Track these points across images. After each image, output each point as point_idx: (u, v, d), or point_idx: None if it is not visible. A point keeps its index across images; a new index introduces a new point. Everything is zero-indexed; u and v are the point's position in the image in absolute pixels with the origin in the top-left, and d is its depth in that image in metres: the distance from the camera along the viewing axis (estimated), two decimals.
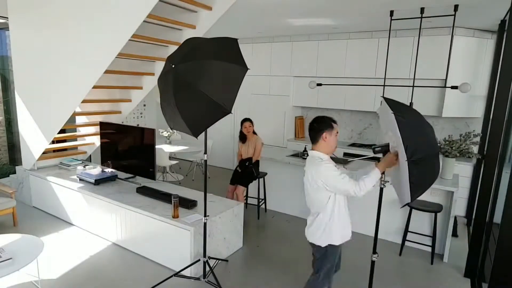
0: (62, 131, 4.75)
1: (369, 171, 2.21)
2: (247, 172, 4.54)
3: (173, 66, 2.39)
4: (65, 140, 5.52)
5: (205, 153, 2.99)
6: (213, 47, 2.50)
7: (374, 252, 2.57)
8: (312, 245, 2.46)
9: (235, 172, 4.68)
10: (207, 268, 3.18)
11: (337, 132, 2.34)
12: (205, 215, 3.06)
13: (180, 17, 4.01)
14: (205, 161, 3.06)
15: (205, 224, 3.08)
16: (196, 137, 2.48)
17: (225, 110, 2.37)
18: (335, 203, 2.31)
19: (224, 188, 4.92)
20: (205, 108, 2.38)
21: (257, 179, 4.69)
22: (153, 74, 4.76)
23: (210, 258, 3.28)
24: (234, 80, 2.41)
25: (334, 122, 2.31)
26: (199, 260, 3.20)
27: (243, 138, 4.60)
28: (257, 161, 4.62)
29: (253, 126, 4.56)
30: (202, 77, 2.34)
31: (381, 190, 2.34)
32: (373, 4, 3.87)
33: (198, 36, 4.23)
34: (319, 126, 2.28)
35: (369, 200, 4.31)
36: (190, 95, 2.36)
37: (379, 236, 4.24)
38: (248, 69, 2.44)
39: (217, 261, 3.50)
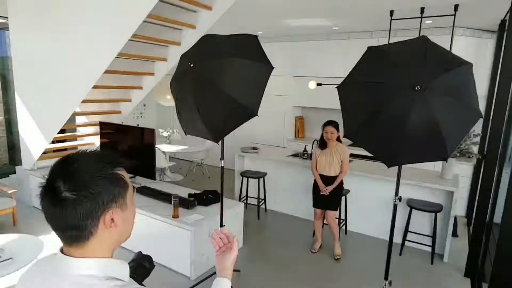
0: (62, 131, 4.74)
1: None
2: (336, 194, 3.77)
3: (191, 65, 2.17)
4: (65, 140, 5.51)
5: (222, 159, 2.75)
6: (234, 45, 2.29)
7: (386, 278, 2.39)
8: None
9: (319, 193, 3.75)
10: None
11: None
12: (221, 225, 2.99)
13: (180, 17, 4.01)
14: (222, 167, 2.81)
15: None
16: (217, 142, 2.34)
17: (251, 112, 2.18)
18: None
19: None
20: (229, 111, 2.18)
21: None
22: (153, 74, 4.76)
23: None
24: (259, 79, 2.23)
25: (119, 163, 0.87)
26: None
27: (323, 145, 3.76)
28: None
29: (338, 132, 3.66)
30: (225, 76, 2.14)
31: (395, 206, 2.25)
32: (373, 4, 3.87)
33: (199, 36, 4.23)
34: (98, 193, 0.78)
35: (370, 200, 4.32)
36: (213, 96, 2.15)
37: (379, 236, 4.28)
38: (273, 67, 2.23)
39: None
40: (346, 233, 4.41)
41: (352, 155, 5.49)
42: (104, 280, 0.76)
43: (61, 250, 0.81)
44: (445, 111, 1.74)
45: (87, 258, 0.78)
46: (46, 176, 0.83)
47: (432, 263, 3.72)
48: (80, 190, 0.76)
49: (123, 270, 0.84)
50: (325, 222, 3.91)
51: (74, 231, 0.77)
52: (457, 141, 1.88)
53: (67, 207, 0.76)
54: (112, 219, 0.79)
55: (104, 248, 0.82)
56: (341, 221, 4.22)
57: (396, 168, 2.16)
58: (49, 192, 0.82)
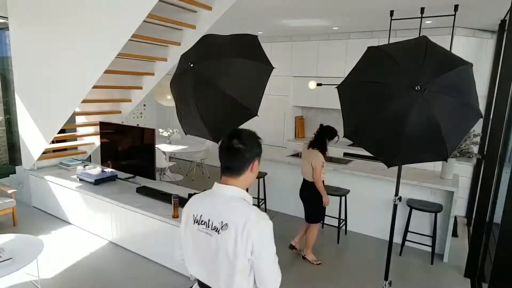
0: (62, 131, 4.74)
1: None
2: (309, 202, 3.64)
3: (191, 65, 2.15)
4: (65, 140, 5.51)
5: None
6: (234, 45, 2.28)
7: (386, 278, 2.39)
8: None
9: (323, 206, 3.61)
10: None
11: None
12: None
13: (180, 17, 4.01)
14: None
15: None
16: (217, 142, 2.33)
17: (251, 112, 2.16)
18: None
19: None
20: (229, 111, 2.17)
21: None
22: (153, 74, 4.76)
23: None
24: (259, 79, 2.22)
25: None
26: None
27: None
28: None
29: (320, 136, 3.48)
30: (225, 76, 2.13)
31: (395, 206, 2.26)
32: (373, 4, 3.87)
33: (199, 36, 4.23)
34: (248, 147, 1.37)
35: (370, 200, 4.32)
36: (213, 96, 2.14)
37: (379, 237, 4.28)
38: (273, 68, 2.23)
39: None
40: (346, 233, 4.40)
41: (352, 155, 5.51)
42: (240, 199, 1.36)
43: (219, 182, 1.41)
44: (445, 111, 1.73)
45: (235, 187, 1.38)
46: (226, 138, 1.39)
47: (432, 263, 3.72)
48: (245, 145, 1.36)
49: (248, 197, 1.39)
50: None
51: (235, 169, 1.37)
52: (457, 141, 1.87)
53: (237, 154, 1.36)
54: (255, 166, 1.40)
55: (246, 184, 1.41)
56: (341, 221, 4.22)
57: (395, 168, 2.16)
58: (228, 145, 1.37)
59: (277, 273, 1.36)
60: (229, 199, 1.36)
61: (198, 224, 1.36)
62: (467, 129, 1.87)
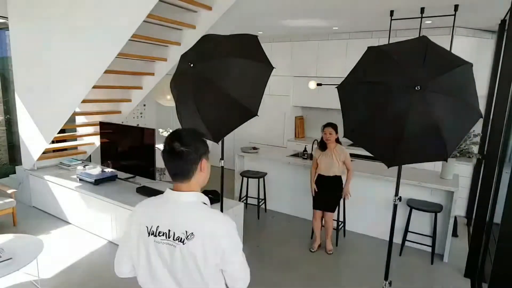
0: (62, 131, 4.74)
1: None
2: (336, 195, 3.83)
3: (191, 65, 2.16)
4: (65, 140, 5.51)
5: (222, 159, 2.75)
6: (234, 45, 2.29)
7: (386, 278, 2.39)
8: None
9: (318, 195, 3.85)
10: None
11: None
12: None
13: (180, 17, 4.01)
14: (222, 167, 2.81)
15: None
16: (217, 142, 2.33)
17: (251, 112, 2.19)
18: None
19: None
20: (229, 111, 2.19)
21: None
22: (153, 74, 4.76)
23: None
24: (259, 79, 2.23)
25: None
26: None
27: (323, 146, 3.80)
28: (339, 178, 3.82)
29: (337, 133, 3.73)
30: (226, 76, 2.14)
31: (395, 206, 2.27)
32: (373, 4, 3.87)
33: (199, 36, 4.23)
34: (193, 149, 1.26)
35: (370, 200, 4.32)
36: (213, 96, 2.15)
37: (379, 237, 4.28)
38: (273, 68, 2.25)
39: None
40: (344, 235, 4.34)
41: (352, 155, 5.50)
42: (200, 204, 1.29)
43: (171, 189, 1.30)
44: (445, 111, 1.73)
45: (190, 192, 1.29)
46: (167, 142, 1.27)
47: (432, 263, 3.72)
48: (188, 146, 1.23)
49: (206, 199, 1.33)
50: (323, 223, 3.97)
51: (184, 174, 1.27)
52: (457, 141, 1.87)
53: (181, 158, 1.24)
54: (203, 166, 1.30)
55: (197, 187, 1.32)
56: (340, 223, 4.21)
57: (396, 168, 2.16)
58: (169, 149, 1.25)
59: (247, 270, 1.37)
60: (188, 206, 1.28)
61: (155, 236, 1.25)
62: (467, 129, 1.87)
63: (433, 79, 1.71)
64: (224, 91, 2.12)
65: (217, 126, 2.24)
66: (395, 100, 1.76)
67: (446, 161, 1.97)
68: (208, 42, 2.34)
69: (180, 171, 1.27)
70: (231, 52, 2.20)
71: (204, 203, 1.31)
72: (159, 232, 1.25)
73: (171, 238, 1.23)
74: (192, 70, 2.17)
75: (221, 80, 2.14)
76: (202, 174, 1.31)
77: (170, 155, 1.25)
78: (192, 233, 1.21)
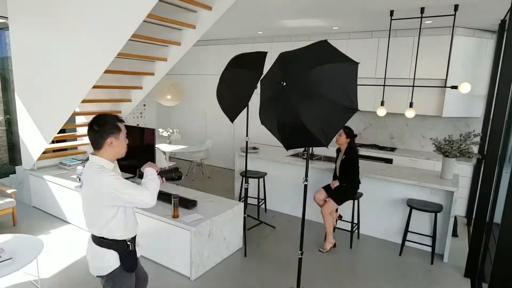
0: (62, 131, 4.75)
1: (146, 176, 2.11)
2: (340, 190, 3.91)
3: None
4: (65, 140, 5.52)
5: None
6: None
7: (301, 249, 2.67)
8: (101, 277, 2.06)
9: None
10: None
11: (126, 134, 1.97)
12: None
13: (180, 17, 4.01)
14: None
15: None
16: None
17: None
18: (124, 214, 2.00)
19: (223, 188, 4.92)
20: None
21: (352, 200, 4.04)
22: (153, 74, 4.76)
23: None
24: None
25: (121, 121, 1.96)
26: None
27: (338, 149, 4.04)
28: (351, 178, 3.89)
29: (345, 135, 3.83)
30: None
31: (305, 187, 2.53)
32: (373, 4, 3.87)
33: (199, 36, 4.23)
34: (102, 129, 1.86)
35: (371, 201, 4.32)
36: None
37: (379, 237, 4.28)
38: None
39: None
40: (358, 237, 4.32)
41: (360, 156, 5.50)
42: (104, 168, 1.89)
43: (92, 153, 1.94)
44: (306, 103, 2.23)
45: (100, 157, 1.91)
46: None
47: (432, 263, 3.72)
48: (99, 126, 1.87)
49: (111, 166, 1.95)
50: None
51: (95, 144, 1.91)
52: (328, 131, 2.25)
53: (95, 134, 1.88)
54: (111, 142, 1.89)
55: (109, 155, 1.93)
56: (354, 225, 4.17)
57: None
58: (91, 129, 1.89)
59: (138, 192, 2.00)
60: (90, 166, 1.92)
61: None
62: (337, 121, 2.29)
63: (300, 76, 2.22)
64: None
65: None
66: (268, 93, 2.41)
67: (327, 147, 2.34)
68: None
69: (92, 141, 1.93)
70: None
71: (102, 166, 1.89)
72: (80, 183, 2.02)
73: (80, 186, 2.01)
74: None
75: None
76: (109, 147, 1.90)
77: (89, 129, 1.91)
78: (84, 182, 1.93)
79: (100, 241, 1.96)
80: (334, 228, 4.06)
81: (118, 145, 1.91)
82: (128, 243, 2.05)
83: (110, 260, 1.98)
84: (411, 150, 5.70)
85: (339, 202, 3.90)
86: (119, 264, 1.99)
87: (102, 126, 1.86)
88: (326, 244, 3.96)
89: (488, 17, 4.22)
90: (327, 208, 3.88)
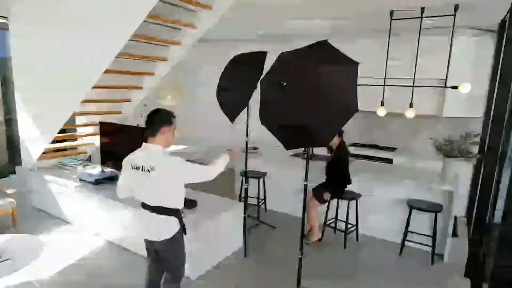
0: (62, 131, 4.74)
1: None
2: (327, 185, 4.07)
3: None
4: (65, 140, 5.51)
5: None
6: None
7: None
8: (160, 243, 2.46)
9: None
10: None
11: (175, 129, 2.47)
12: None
13: (180, 17, 4.01)
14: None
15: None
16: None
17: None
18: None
19: (223, 188, 4.90)
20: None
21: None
22: (153, 74, 4.76)
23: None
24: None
25: (173, 116, 2.48)
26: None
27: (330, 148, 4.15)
28: (337, 181, 4.03)
29: (337, 134, 3.91)
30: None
31: (306, 186, 2.61)
32: (373, 4, 3.87)
33: (199, 36, 4.23)
34: (159, 119, 2.40)
35: (371, 201, 4.32)
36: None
37: (378, 237, 4.28)
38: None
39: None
40: (357, 239, 4.28)
41: (354, 156, 5.50)
42: (165, 152, 2.42)
43: (145, 142, 2.42)
44: (305, 104, 2.25)
45: (157, 145, 2.38)
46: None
47: (432, 263, 3.72)
48: (157, 117, 2.41)
49: (167, 151, 2.42)
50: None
51: (152, 132, 2.38)
52: (329, 131, 2.31)
53: (154, 122, 2.39)
54: (164, 131, 2.38)
55: (162, 142, 2.39)
56: (352, 226, 4.17)
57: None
58: (149, 119, 2.41)
59: (203, 170, 2.56)
60: (152, 151, 2.36)
61: (136, 169, 2.36)
62: (337, 121, 2.30)
63: (299, 77, 2.26)
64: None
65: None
66: (269, 93, 2.44)
67: (327, 147, 2.58)
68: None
69: (152, 130, 2.38)
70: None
71: (166, 152, 2.38)
72: (137, 167, 2.35)
73: (144, 170, 2.32)
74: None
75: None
76: (162, 135, 2.37)
77: (148, 121, 2.40)
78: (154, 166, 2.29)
79: (166, 211, 2.38)
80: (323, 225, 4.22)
81: (169, 135, 2.41)
82: (182, 211, 2.49)
83: (174, 224, 2.41)
84: (411, 150, 5.70)
85: (321, 201, 4.05)
86: (179, 227, 2.44)
87: (160, 117, 2.40)
88: (312, 236, 4.13)
89: (488, 17, 4.22)
90: (312, 202, 4.09)
